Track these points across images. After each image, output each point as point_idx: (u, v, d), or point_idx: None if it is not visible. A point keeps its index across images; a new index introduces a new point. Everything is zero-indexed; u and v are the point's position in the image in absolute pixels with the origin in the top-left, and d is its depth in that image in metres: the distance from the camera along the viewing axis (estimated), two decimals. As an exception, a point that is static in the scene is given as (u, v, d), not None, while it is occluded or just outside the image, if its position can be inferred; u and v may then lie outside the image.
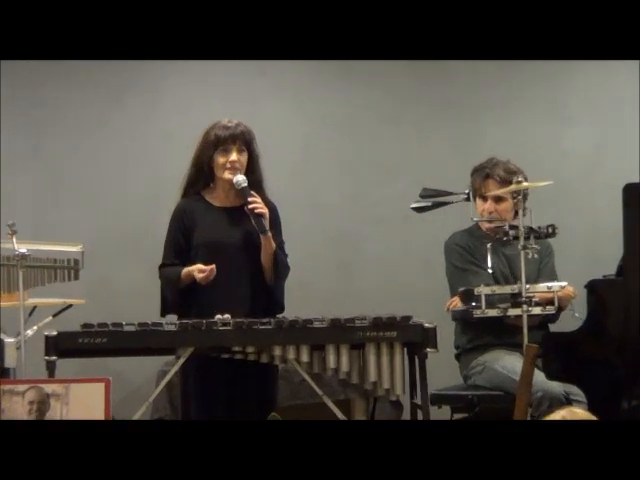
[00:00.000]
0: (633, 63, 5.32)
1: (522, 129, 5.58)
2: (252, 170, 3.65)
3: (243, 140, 3.62)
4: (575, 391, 3.61)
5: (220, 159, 3.61)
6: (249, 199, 3.56)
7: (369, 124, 5.54)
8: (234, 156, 3.60)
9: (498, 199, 3.98)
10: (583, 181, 5.56)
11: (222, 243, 3.60)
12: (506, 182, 3.93)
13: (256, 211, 3.55)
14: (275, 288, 3.63)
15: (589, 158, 5.55)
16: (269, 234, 3.56)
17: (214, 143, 3.60)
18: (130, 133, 5.42)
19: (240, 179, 3.60)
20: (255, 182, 3.65)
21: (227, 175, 3.61)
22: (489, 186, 3.99)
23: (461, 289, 3.81)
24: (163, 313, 3.66)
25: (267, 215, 3.56)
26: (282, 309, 3.67)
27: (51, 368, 3.35)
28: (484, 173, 4.01)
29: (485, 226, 4.03)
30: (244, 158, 3.63)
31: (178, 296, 3.60)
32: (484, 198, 4.00)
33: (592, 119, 5.54)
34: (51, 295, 4.53)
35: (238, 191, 3.62)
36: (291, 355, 3.45)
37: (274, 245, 3.59)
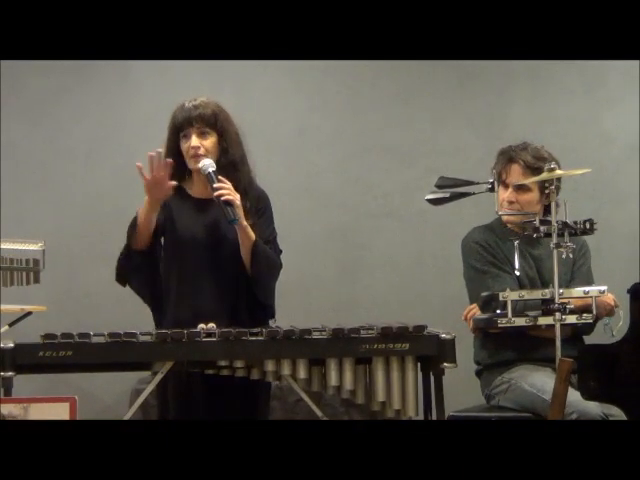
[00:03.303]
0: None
1: (554, 108, 5.60)
2: (224, 152, 3.68)
3: (203, 121, 3.64)
4: (615, 412, 3.62)
5: (183, 146, 3.67)
6: (215, 185, 3.59)
7: (376, 102, 5.56)
8: (193, 141, 3.63)
9: (520, 188, 3.99)
10: (626, 169, 5.58)
11: (201, 239, 3.62)
12: (532, 169, 3.94)
13: (223, 198, 3.56)
14: (258, 287, 3.64)
15: (633, 143, 5.57)
16: (244, 224, 3.57)
17: (175, 129, 3.68)
18: (98, 113, 5.44)
19: (206, 163, 3.62)
20: (227, 165, 3.66)
21: (191, 164, 3.67)
22: (511, 172, 4.00)
23: (483, 294, 3.82)
24: (119, 279, 3.68)
25: (237, 202, 3.57)
26: (272, 314, 3.70)
27: (7, 385, 3.35)
28: (508, 156, 4.02)
29: (504, 218, 4.04)
30: (209, 141, 3.65)
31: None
32: (506, 185, 4.02)
33: (636, 98, 5.56)
34: (7, 301, 4.54)
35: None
36: (286, 371, 3.46)
37: (253, 236, 3.60)
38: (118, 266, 3.68)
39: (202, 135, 3.64)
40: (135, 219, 3.63)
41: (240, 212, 3.57)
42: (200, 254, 3.62)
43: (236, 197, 3.57)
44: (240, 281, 3.64)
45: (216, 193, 3.56)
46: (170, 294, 3.65)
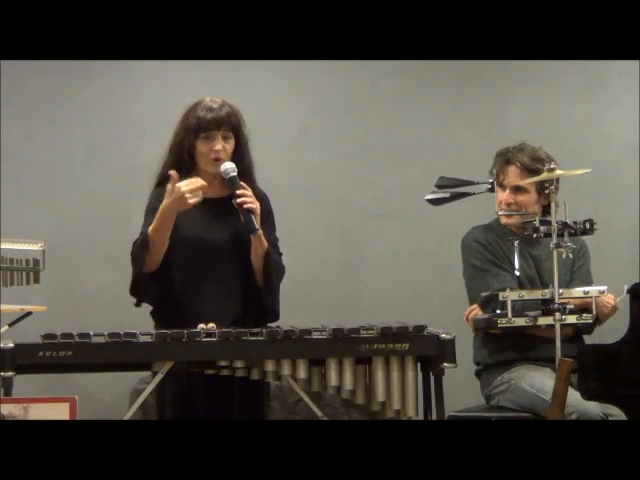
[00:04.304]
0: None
1: (554, 108, 5.60)
2: (240, 157, 3.65)
3: (229, 124, 3.61)
4: (615, 412, 3.62)
5: (202, 147, 3.61)
6: (237, 192, 3.57)
7: (376, 102, 5.56)
8: (218, 145, 3.59)
9: (517, 189, 3.99)
10: (625, 169, 5.58)
11: (206, 239, 3.60)
12: (529, 171, 3.94)
13: (245, 206, 3.56)
14: (268, 294, 3.64)
15: (632, 143, 5.57)
16: (260, 232, 3.57)
17: (195, 128, 3.59)
18: (98, 113, 5.44)
19: (228, 167, 3.60)
20: (243, 170, 3.64)
21: (211, 168, 3.61)
22: (508, 173, 4.00)
23: (483, 294, 3.82)
24: (134, 295, 3.62)
25: (258, 211, 3.57)
26: (276, 317, 3.69)
27: (7, 385, 3.35)
28: (505, 158, 4.02)
29: (503, 220, 4.04)
30: (230, 145, 3.63)
31: (152, 265, 3.55)
32: (503, 187, 4.02)
33: (636, 98, 5.56)
34: (7, 301, 4.54)
35: (224, 180, 3.63)
36: (286, 371, 3.46)
37: (266, 244, 3.60)
38: (135, 292, 3.60)
39: (225, 138, 3.61)
40: (145, 241, 3.52)
41: (259, 220, 3.57)
42: (208, 255, 3.59)
43: (257, 205, 3.57)
44: (247, 285, 3.63)
45: (239, 200, 3.54)
46: (172, 297, 3.62)
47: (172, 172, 3.51)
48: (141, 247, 3.54)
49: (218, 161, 3.60)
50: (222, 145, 3.60)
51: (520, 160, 3.97)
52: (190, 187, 3.48)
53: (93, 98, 5.41)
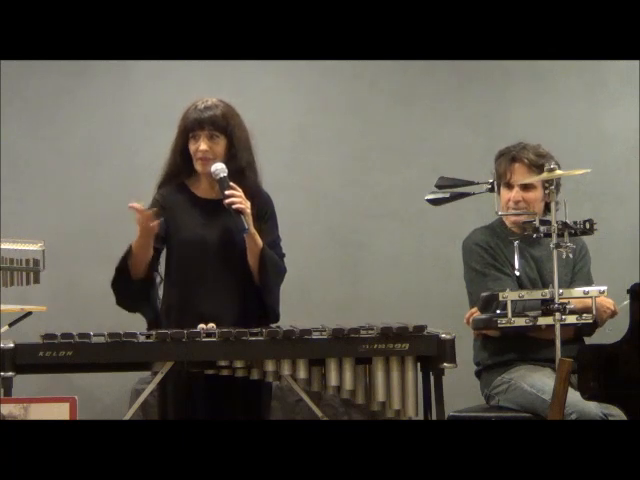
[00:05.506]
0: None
1: (554, 108, 5.61)
2: (232, 158, 3.64)
3: (214, 125, 3.61)
4: (615, 412, 3.62)
5: (191, 148, 3.64)
6: (226, 192, 3.57)
7: (377, 102, 5.56)
8: (202, 145, 3.61)
9: (526, 187, 3.98)
10: (626, 169, 5.58)
11: (205, 240, 3.61)
12: (536, 167, 3.94)
13: (234, 207, 3.55)
14: (267, 293, 3.64)
15: (632, 143, 5.57)
16: (252, 232, 3.57)
17: (183, 130, 3.64)
18: (98, 113, 5.44)
19: (218, 168, 3.60)
20: (236, 171, 3.64)
21: (198, 167, 3.64)
22: (516, 171, 4.00)
23: (483, 294, 3.82)
24: (123, 306, 3.67)
25: (248, 211, 3.56)
26: (277, 318, 3.69)
27: (7, 385, 3.35)
28: (510, 156, 4.02)
29: (510, 219, 4.03)
30: (219, 145, 3.63)
31: (135, 285, 3.61)
32: (509, 186, 4.01)
33: (636, 98, 5.56)
34: (7, 301, 4.55)
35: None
36: (286, 371, 3.46)
37: (260, 243, 3.60)
38: (119, 296, 3.64)
39: (212, 139, 3.61)
40: (129, 252, 3.59)
41: (249, 220, 3.57)
42: (208, 257, 3.60)
43: (247, 205, 3.56)
44: (248, 286, 3.64)
45: (227, 201, 3.55)
46: (173, 299, 3.63)
47: (134, 204, 3.53)
48: (124, 259, 3.60)
49: (204, 161, 3.61)
50: (208, 145, 3.61)
51: (526, 157, 3.97)
52: (138, 216, 3.53)
53: (93, 98, 5.41)
